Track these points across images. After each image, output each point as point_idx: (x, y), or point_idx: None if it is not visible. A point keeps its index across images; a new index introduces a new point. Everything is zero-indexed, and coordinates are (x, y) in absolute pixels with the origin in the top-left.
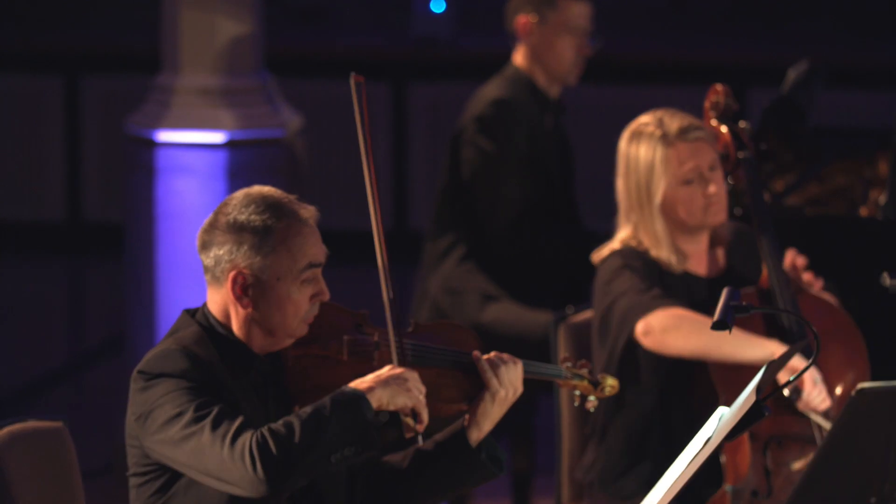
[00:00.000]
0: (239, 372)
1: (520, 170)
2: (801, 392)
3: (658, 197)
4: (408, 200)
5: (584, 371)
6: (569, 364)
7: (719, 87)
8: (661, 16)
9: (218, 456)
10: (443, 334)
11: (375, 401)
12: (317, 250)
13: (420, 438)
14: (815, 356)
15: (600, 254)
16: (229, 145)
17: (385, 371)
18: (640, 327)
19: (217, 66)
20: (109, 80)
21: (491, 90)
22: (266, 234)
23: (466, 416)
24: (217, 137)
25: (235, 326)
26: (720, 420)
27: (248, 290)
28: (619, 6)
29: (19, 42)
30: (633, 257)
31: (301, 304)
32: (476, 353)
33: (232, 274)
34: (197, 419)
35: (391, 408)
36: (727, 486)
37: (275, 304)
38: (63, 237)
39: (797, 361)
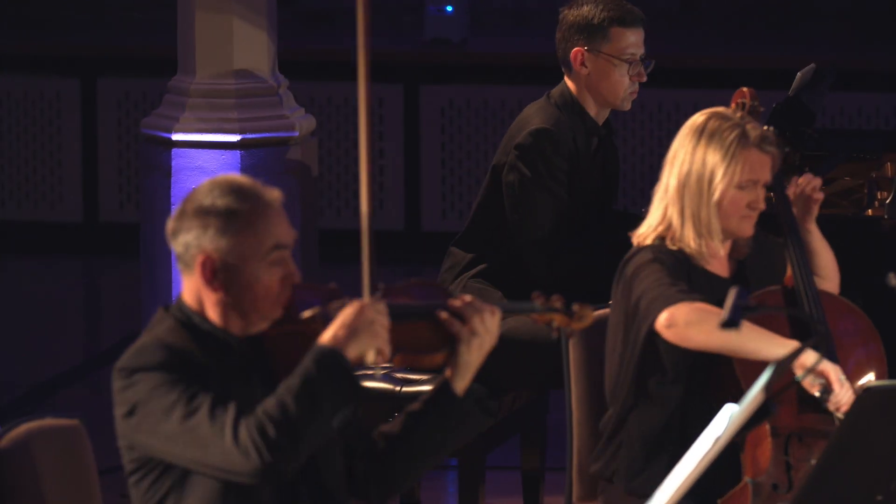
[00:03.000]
0: (219, 357)
1: (557, 196)
2: (830, 392)
3: (717, 193)
4: (420, 201)
5: (558, 304)
6: (541, 300)
7: (746, 89)
8: (670, 19)
9: (220, 449)
10: (412, 291)
11: (353, 355)
12: (283, 231)
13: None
14: (822, 353)
15: (636, 235)
16: (243, 146)
17: (349, 315)
18: (662, 319)
19: (231, 67)
20: (125, 81)
21: (534, 117)
22: (230, 216)
23: (449, 369)
24: (231, 138)
25: (210, 312)
26: (730, 419)
27: (217, 273)
28: None
29: (36, 44)
30: (663, 252)
31: (271, 286)
32: (440, 311)
33: (200, 258)
34: (191, 413)
35: (363, 356)
36: (748, 479)
37: (244, 286)
38: (79, 237)
39: (811, 358)
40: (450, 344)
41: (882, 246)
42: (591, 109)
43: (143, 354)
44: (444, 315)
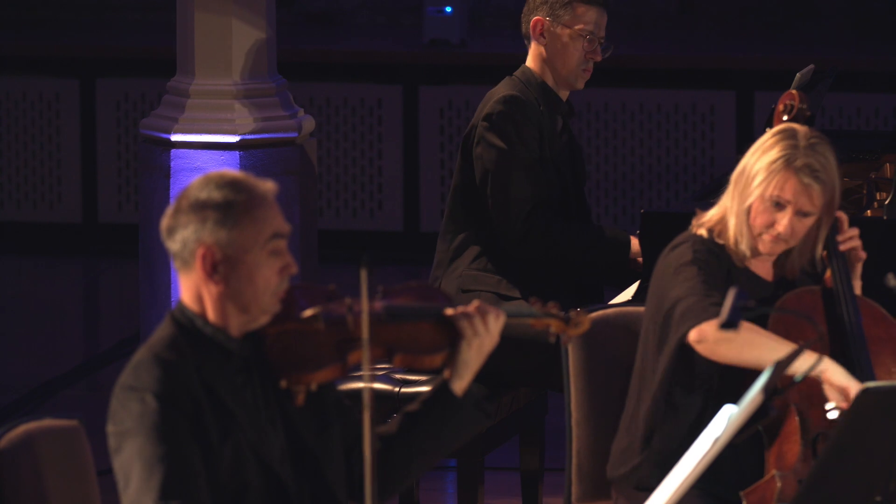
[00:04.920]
0: (220, 361)
1: (531, 167)
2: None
3: (750, 199)
4: (419, 202)
5: (555, 310)
6: (538, 306)
7: (795, 92)
8: (669, 19)
9: None
10: (412, 293)
11: None
12: (279, 221)
13: None
14: (819, 357)
15: (693, 227)
16: (242, 147)
17: None
18: (693, 335)
19: (231, 68)
20: (125, 82)
21: (501, 89)
22: (228, 207)
23: (447, 370)
24: (230, 139)
25: (210, 310)
26: (728, 420)
27: (218, 266)
28: (627, 9)
29: (36, 45)
30: (706, 251)
31: (270, 277)
32: (448, 309)
33: (200, 251)
34: (147, 475)
35: None
36: (776, 472)
37: (245, 277)
38: (79, 238)
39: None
40: (450, 345)
41: (881, 247)
42: (552, 85)
43: (139, 373)
44: (450, 312)
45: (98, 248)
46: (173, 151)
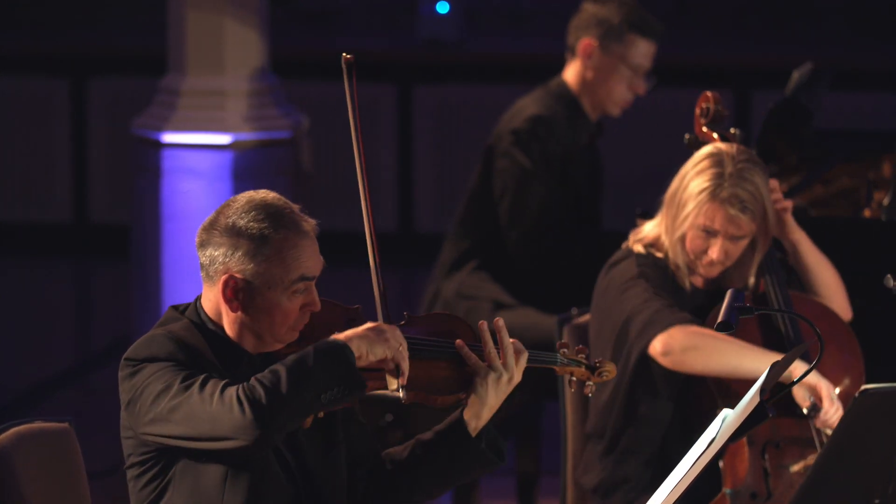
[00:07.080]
0: (229, 365)
1: (549, 186)
2: (819, 409)
3: (682, 229)
4: (413, 202)
5: (581, 357)
6: (565, 350)
7: (709, 93)
8: (667, 18)
9: (208, 413)
10: (435, 325)
11: (355, 350)
12: (312, 263)
13: (402, 392)
14: (818, 358)
15: (630, 241)
16: (235, 147)
17: (365, 325)
18: (658, 346)
19: (223, 68)
20: (116, 82)
21: (531, 104)
22: (262, 242)
23: (465, 407)
24: (223, 139)
25: (227, 326)
26: (723, 422)
27: (239, 294)
28: None
29: (27, 44)
30: (650, 265)
31: (290, 312)
32: (459, 341)
33: (224, 277)
34: (185, 388)
35: (371, 358)
36: (726, 490)
37: (264, 310)
38: (70, 239)
39: (798, 364)
40: (467, 387)
41: (880, 248)
42: (586, 105)
43: (152, 345)
44: (463, 347)
45: (89, 249)
46: (165, 151)
